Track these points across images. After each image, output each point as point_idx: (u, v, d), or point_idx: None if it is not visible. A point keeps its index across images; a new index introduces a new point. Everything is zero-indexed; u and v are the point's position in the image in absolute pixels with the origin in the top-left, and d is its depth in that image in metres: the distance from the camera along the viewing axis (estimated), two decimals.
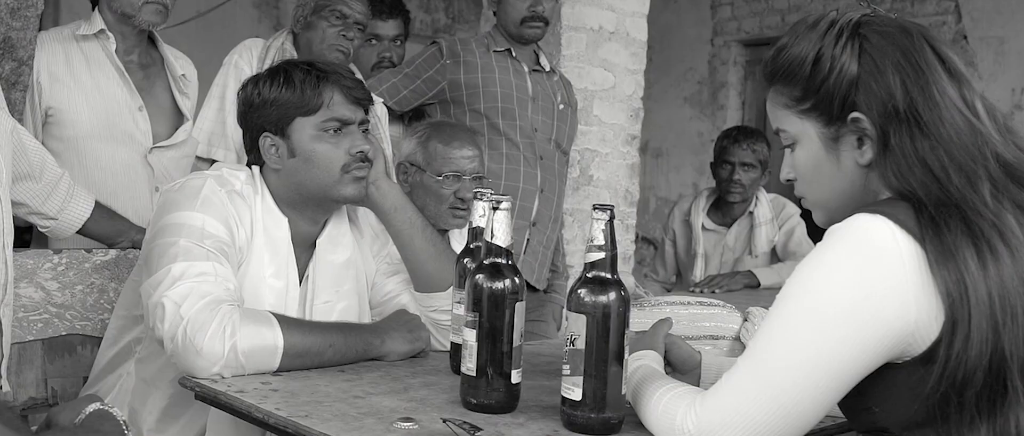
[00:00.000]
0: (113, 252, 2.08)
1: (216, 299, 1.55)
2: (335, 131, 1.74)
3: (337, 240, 1.85)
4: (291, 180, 1.76)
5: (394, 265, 1.91)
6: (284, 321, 1.59)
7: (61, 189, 2.11)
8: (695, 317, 1.94)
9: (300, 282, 1.79)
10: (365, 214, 1.93)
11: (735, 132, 3.53)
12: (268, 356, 1.54)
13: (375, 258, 1.93)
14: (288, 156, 1.75)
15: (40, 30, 2.39)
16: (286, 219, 1.77)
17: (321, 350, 1.60)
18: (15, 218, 1.92)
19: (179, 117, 2.58)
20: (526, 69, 2.93)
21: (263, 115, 1.75)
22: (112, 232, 2.22)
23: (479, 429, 1.28)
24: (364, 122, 1.80)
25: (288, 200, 1.77)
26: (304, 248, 1.81)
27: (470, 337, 1.40)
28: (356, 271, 1.87)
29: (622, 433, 1.32)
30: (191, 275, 1.57)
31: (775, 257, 3.49)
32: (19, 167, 1.96)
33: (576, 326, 1.30)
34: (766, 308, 1.45)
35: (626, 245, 3.87)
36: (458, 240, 2.25)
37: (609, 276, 1.31)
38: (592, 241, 1.31)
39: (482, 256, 1.43)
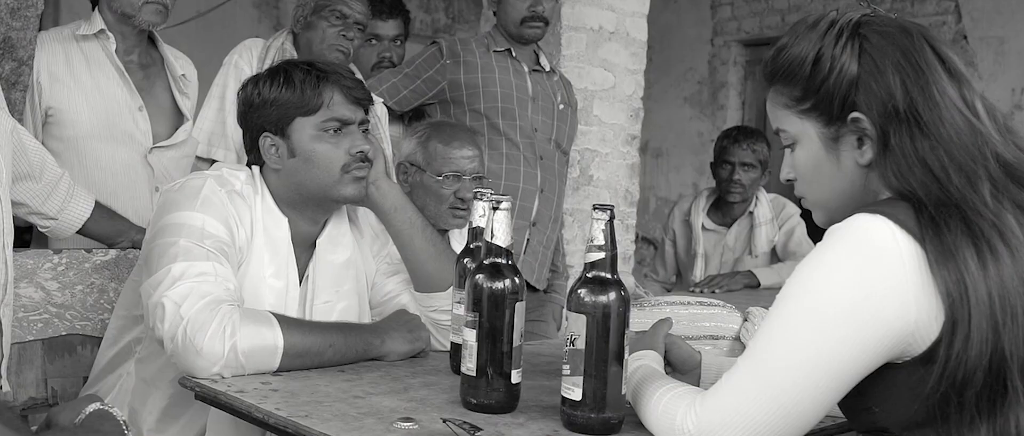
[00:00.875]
0: (113, 252, 2.08)
1: (216, 299, 1.55)
2: (335, 131, 1.74)
3: (337, 240, 1.85)
4: (291, 180, 1.76)
5: (394, 265, 1.91)
6: (284, 321, 1.59)
7: (61, 189, 2.11)
8: (695, 317, 1.94)
9: (300, 282, 1.79)
10: (365, 214, 1.93)
11: (735, 132, 3.53)
12: (268, 356, 1.54)
13: (375, 258, 1.93)
14: (288, 156, 1.75)
15: (40, 30, 2.39)
16: (286, 219, 1.77)
17: (321, 350, 1.60)
18: (15, 218, 1.92)
19: (179, 117, 2.58)
20: (526, 69, 2.93)
21: (263, 115, 1.75)
22: (112, 232, 2.22)
23: (479, 429, 1.28)
24: (364, 122, 1.80)
25: (288, 200, 1.77)
26: (304, 248, 1.81)
27: (470, 337, 1.40)
28: (356, 271, 1.87)
29: (622, 433, 1.32)
30: (191, 275, 1.57)
31: (775, 257, 3.49)
32: (19, 167, 1.96)
33: (576, 326, 1.29)
34: (766, 308, 1.45)
35: (626, 245, 3.87)
36: (458, 240, 2.25)
37: (609, 276, 1.31)
38: (592, 241, 1.31)
39: (482, 256, 1.43)
